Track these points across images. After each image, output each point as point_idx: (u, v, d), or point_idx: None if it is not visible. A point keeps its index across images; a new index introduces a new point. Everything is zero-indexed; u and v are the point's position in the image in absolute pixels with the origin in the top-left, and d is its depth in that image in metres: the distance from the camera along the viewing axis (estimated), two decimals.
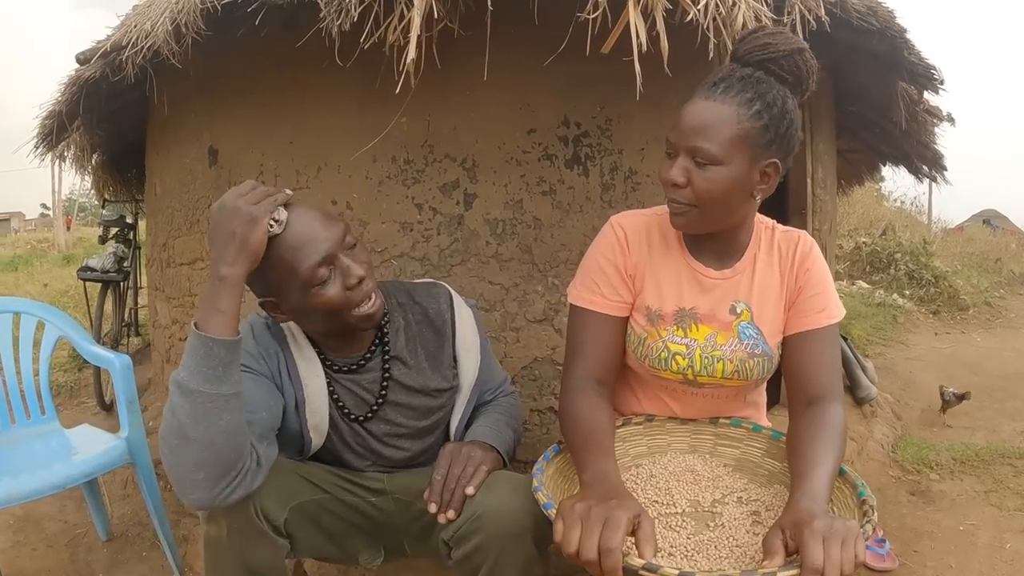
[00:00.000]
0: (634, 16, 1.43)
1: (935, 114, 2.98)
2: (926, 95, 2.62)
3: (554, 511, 0.92)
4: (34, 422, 2.01)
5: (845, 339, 3.64)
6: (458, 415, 1.31)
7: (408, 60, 1.49)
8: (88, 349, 1.98)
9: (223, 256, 0.99)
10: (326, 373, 1.22)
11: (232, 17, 1.75)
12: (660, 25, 1.43)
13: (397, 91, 1.54)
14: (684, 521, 1.03)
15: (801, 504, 0.89)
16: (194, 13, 1.75)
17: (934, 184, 3.87)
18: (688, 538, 0.98)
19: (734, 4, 1.50)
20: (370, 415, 1.25)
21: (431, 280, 1.37)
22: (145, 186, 3.46)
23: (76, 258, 8.90)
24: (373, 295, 1.14)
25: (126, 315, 4.02)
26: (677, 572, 0.79)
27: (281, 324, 1.21)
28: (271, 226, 1.03)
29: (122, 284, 3.85)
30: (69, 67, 2.38)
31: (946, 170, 3.64)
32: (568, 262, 2.03)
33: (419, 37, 1.50)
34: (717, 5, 1.49)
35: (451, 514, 1.10)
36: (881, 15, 1.92)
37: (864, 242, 8.07)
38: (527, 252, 2.05)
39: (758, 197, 1.11)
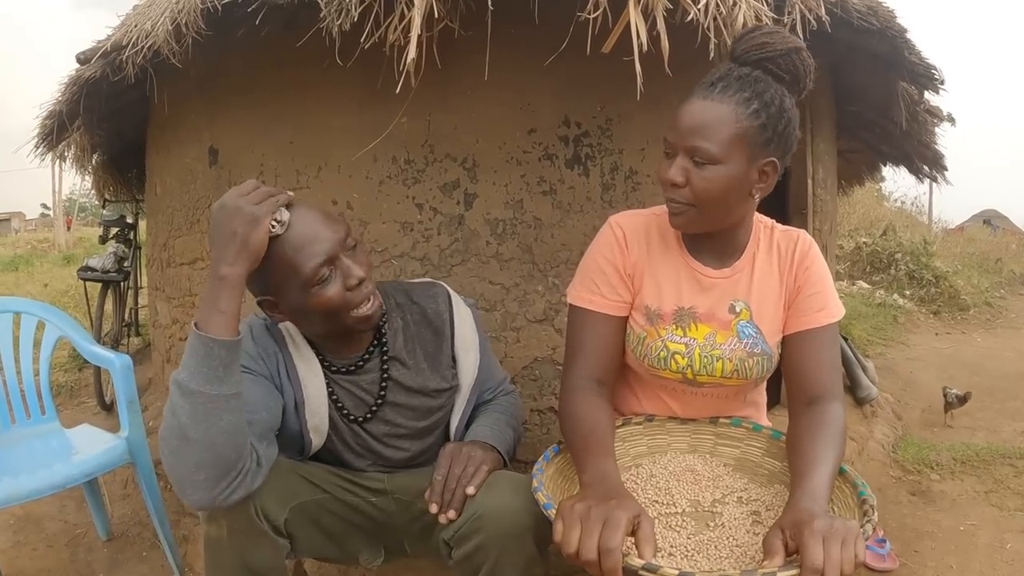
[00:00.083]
0: (634, 16, 1.43)
1: (935, 114, 2.98)
2: (926, 95, 2.61)
3: (554, 511, 0.92)
4: (34, 422, 2.02)
5: (846, 339, 3.64)
6: (458, 415, 1.31)
7: (408, 60, 1.49)
8: (88, 349, 1.98)
9: (224, 256, 0.99)
10: (325, 374, 1.22)
11: (232, 17, 1.75)
12: (660, 25, 1.43)
13: (398, 91, 1.54)
14: (684, 521, 1.03)
15: (801, 504, 0.89)
16: (194, 13, 1.75)
17: (934, 184, 3.87)
18: (688, 538, 0.98)
19: (734, 4, 1.50)
20: (369, 416, 1.25)
21: (429, 280, 1.37)
22: (145, 186, 3.46)
23: (76, 258, 8.90)
24: (372, 297, 1.14)
25: (126, 315, 4.02)
26: (677, 572, 0.79)
27: (279, 326, 1.21)
28: (273, 227, 1.02)
29: (122, 284, 3.85)
30: (69, 67, 2.38)
31: (946, 170, 3.64)
32: (568, 262, 2.03)
33: (419, 37, 1.50)
34: (718, 5, 1.49)
35: (452, 514, 1.10)
36: (881, 15, 1.92)
37: (865, 242, 8.07)
38: (527, 252, 2.05)
39: (757, 196, 1.11)
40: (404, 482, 1.26)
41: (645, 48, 1.43)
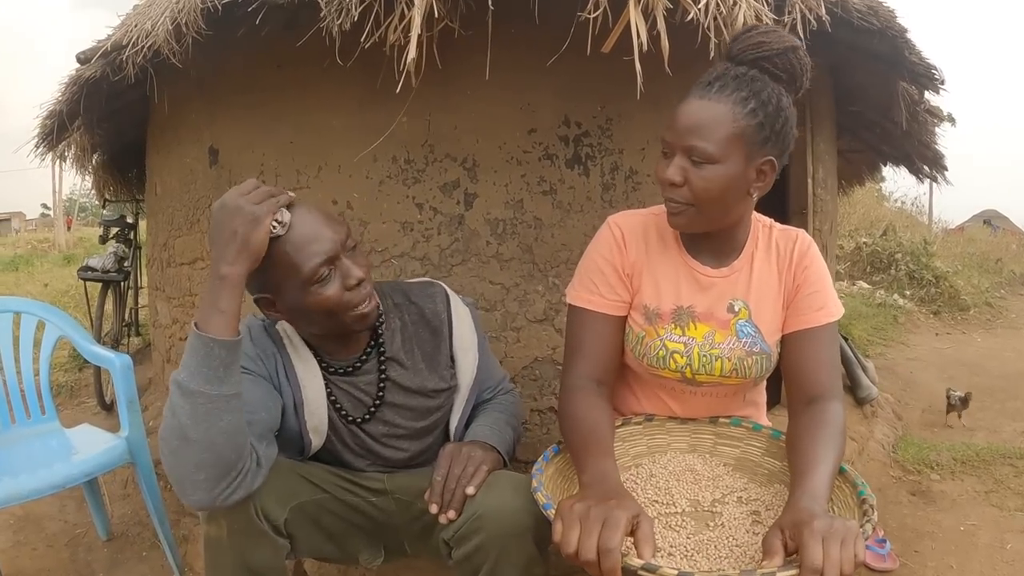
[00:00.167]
0: (635, 15, 1.43)
1: (936, 114, 2.98)
2: (927, 95, 2.61)
3: (553, 511, 0.92)
4: (34, 422, 2.02)
5: (846, 339, 3.64)
6: (457, 415, 1.31)
7: (409, 60, 1.49)
8: (88, 349, 1.98)
9: (224, 255, 0.99)
10: (323, 375, 1.22)
11: (232, 17, 1.75)
12: (661, 25, 1.43)
13: (398, 91, 1.54)
14: (684, 521, 1.03)
15: (801, 504, 0.89)
16: (194, 13, 1.75)
17: (935, 184, 3.87)
18: (688, 538, 0.98)
19: (735, 3, 1.50)
20: (368, 417, 1.25)
21: (427, 280, 1.37)
22: (145, 186, 3.46)
23: (76, 258, 8.91)
24: (370, 297, 1.14)
25: (126, 315, 4.02)
26: (676, 572, 0.79)
27: (277, 327, 1.21)
28: (274, 228, 1.02)
29: (123, 284, 3.85)
30: (69, 67, 2.39)
31: (947, 170, 3.64)
32: (569, 262, 2.03)
33: (420, 37, 1.50)
34: (718, 4, 1.49)
35: (452, 514, 1.10)
36: (882, 15, 1.92)
37: (865, 242, 8.07)
38: (528, 252, 2.05)
39: (755, 195, 1.11)
40: (404, 482, 1.26)
41: (645, 48, 1.43)
